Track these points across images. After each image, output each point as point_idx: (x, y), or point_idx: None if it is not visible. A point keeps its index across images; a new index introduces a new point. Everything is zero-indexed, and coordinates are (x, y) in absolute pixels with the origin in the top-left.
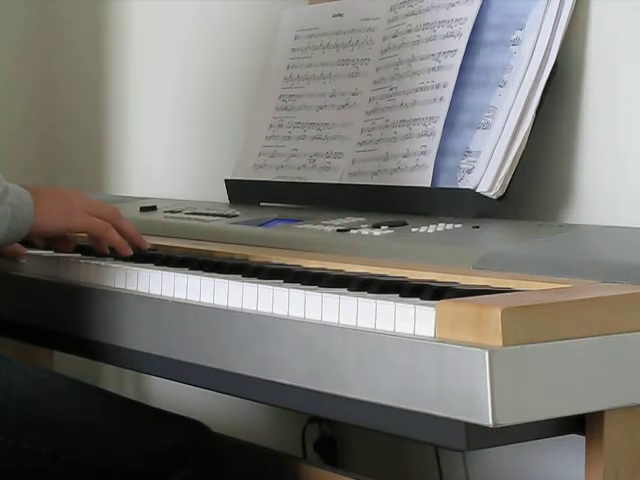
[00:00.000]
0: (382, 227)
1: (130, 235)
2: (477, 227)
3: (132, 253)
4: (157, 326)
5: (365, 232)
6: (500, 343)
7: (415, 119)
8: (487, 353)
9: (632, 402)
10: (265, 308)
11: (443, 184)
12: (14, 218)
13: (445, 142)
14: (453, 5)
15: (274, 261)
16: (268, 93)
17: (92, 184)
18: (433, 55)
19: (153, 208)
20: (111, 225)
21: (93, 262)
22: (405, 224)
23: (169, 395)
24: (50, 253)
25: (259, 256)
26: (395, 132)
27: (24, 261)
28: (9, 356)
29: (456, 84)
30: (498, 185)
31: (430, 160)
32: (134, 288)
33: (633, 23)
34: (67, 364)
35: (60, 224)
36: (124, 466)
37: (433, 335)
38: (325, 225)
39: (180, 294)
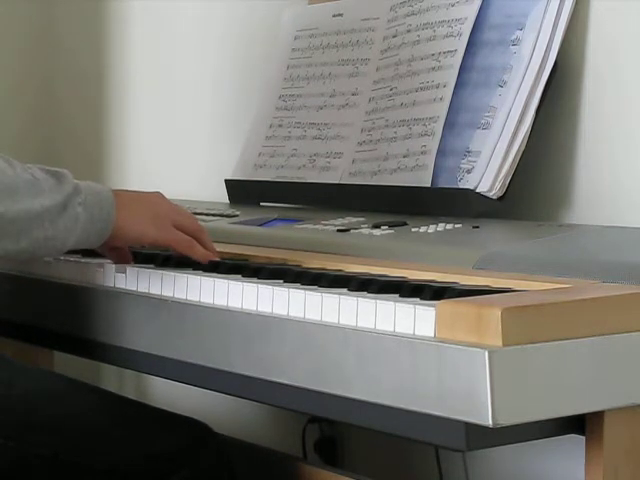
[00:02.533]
0: (382, 227)
1: (211, 250)
2: (477, 227)
3: (217, 260)
4: (157, 326)
5: (365, 232)
6: (500, 343)
7: (415, 119)
8: (487, 353)
9: (632, 402)
10: (265, 308)
11: (443, 184)
12: (91, 218)
13: (445, 142)
14: (453, 5)
15: (274, 261)
16: (268, 93)
17: None
18: (433, 55)
19: None
20: (195, 241)
21: (93, 262)
22: (405, 224)
23: (169, 395)
24: None
25: (259, 256)
26: (395, 132)
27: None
28: (9, 356)
29: (456, 84)
30: (498, 185)
31: (430, 160)
32: (134, 288)
33: (633, 23)
34: (67, 364)
35: (147, 233)
36: (124, 467)
37: (433, 335)
38: (325, 225)
39: (180, 294)
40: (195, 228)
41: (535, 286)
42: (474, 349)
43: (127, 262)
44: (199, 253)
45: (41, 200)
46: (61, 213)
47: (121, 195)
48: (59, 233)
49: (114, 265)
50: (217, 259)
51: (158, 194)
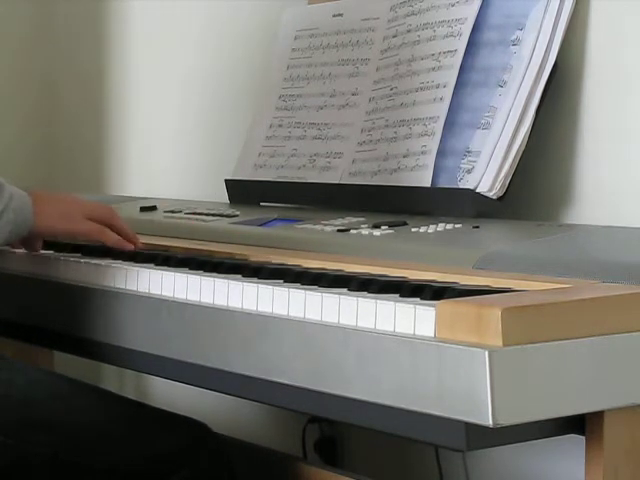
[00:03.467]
0: (382, 227)
1: (125, 233)
2: (477, 227)
3: (132, 248)
4: (157, 326)
5: (365, 232)
6: (500, 343)
7: (415, 119)
8: (487, 353)
9: (632, 402)
10: (265, 308)
11: (443, 184)
12: (16, 222)
13: (445, 142)
14: (453, 5)
15: (274, 261)
16: (268, 93)
17: (92, 184)
18: (433, 55)
19: (153, 208)
20: (106, 227)
21: (93, 262)
22: (405, 224)
23: (169, 395)
24: (50, 253)
25: (259, 256)
26: (395, 132)
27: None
28: (9, 356)
29: (456, 84)
30: (498, 185)
31: (430, 160)
32: (134, 288)
33: (633, 23)
34: (67, 364)
35: (58, 228)
36: (124, 467)
37: (433, 335)
38: (325, 225)
39: (180, 294)
40: (107, 217)
41: (535, 286)
42: (474, 349)
43: (35, 250)
44: (111, 239)
45: None
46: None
47: (36, 197)
48: None
49: (114, 265)
50: (132, 246)
51: (72, 195)
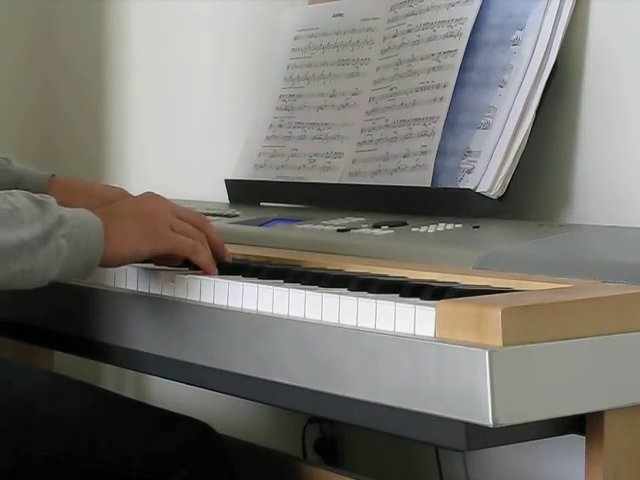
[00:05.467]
0: (382, 227)
1: (216, 251)
2: (477, 227)
3: (216, 272)
4: (157, 326)
5: (365, 232)
6: (500, 343)
7: (415, 119)
8: (487, 353)
9: (632, 402)
10: (265, 308)
11: (443, 184)
12: (76, 250)
13: (445, 142)
14: (453, 5)
15: (274, 261)
16: (268, 93)
17: None
18: (433, 55)
19: None
20: (200, 244)
21: None
22: (405, 224)
23: (169, 395)
24: None
25: (260, 256)
26: (395, 132)
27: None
28: (9, 356)
29: (456, 84)
30: (498, 185)
31: (430, 160)
32: (134, 288)
33: (633, 23)
34: (67, 364)
35: (140, 251)
36: (124, 467)
37: (433, 335)
38: (325, 225)
39: (180, 294)
40: (195, 233)
41: (535, 286)
42: (474, 349)
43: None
44: (202, 260)
45: (19, 232)
46: (41, 245)
47: (111, 215)
48: (37, 265)
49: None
50: (216, 271)
51: (153, 197)
